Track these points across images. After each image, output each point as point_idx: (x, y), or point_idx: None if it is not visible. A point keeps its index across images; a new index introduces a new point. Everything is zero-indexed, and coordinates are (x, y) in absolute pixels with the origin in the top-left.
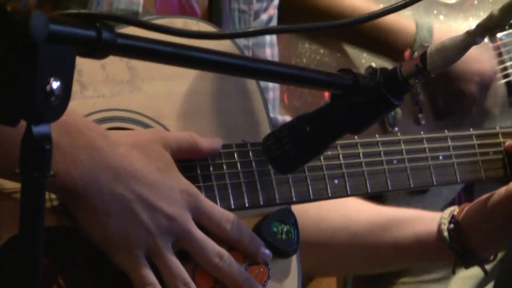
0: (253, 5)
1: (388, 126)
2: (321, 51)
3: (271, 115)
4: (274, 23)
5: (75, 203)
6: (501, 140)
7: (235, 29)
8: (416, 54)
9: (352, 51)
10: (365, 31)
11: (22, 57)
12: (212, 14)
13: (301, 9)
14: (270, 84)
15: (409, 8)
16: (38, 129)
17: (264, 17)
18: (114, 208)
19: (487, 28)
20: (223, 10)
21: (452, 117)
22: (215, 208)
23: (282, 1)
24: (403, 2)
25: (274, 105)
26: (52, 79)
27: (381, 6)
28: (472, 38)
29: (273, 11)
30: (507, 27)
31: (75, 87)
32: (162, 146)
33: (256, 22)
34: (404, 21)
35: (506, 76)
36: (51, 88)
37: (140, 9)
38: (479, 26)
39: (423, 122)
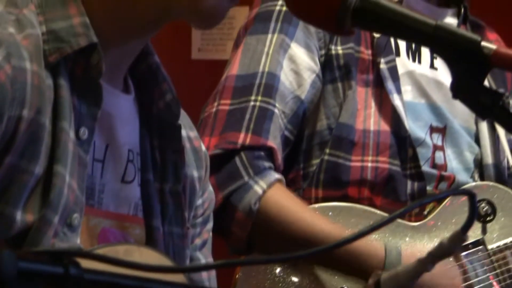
0: (187, 228)
1: None
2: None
3: None
4: (208, 246)
5: None
6: None
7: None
8: (370, 281)
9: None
10: (337, 255)
11: None
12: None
13: (273, 233)
14: None
15: (375, 232)
16: None
17: (198, 242)
18: None
19: (437, 257)
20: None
21: None
22: None
23: (254, 225)
24: (375, 224)
25: None
26: None
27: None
28: (423, 266)
29: (206, 235)
30: (470, 246)
31: None
32: None
33: (191, 246)
34: (374, 244)
35: None
36: None
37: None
38: (429, 254)
39: None
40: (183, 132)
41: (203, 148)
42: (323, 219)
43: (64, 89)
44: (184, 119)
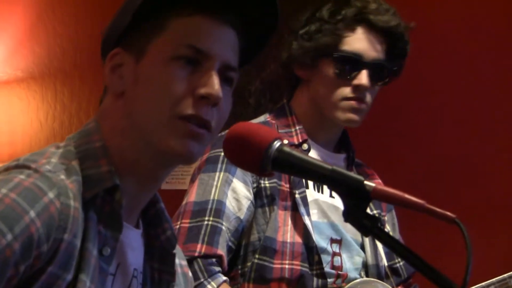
0: None
1: None
2: None
3: None
4: None
5: None
6: None
7: None
8: None
9: None
10: None
11: None
12: None
13: None
14: None
15: None
16: None
17: None
18: None
19: None
20: None
21: None
22: None
23: None
24: None
25: None
26: None
27: None
28: None
29: None
30: None
31: None
32: None
33: None
34: None
35: None
36: None
37: None
38: None
39: None
40: (177, 260)
41: (190, 274)
42: None
43: (92, 220)
44: (178, 251)
